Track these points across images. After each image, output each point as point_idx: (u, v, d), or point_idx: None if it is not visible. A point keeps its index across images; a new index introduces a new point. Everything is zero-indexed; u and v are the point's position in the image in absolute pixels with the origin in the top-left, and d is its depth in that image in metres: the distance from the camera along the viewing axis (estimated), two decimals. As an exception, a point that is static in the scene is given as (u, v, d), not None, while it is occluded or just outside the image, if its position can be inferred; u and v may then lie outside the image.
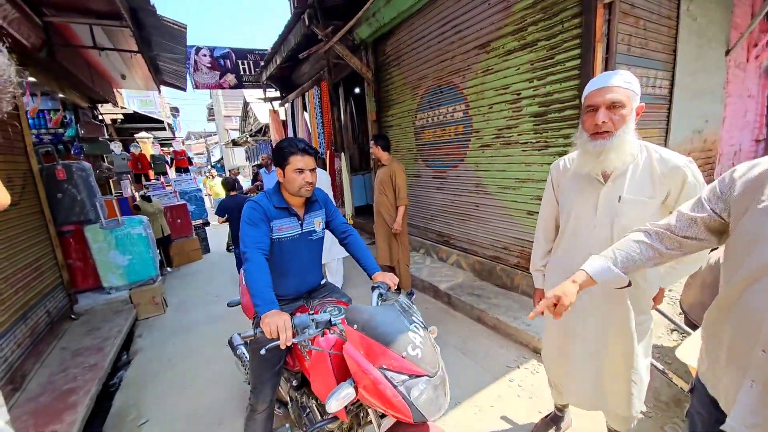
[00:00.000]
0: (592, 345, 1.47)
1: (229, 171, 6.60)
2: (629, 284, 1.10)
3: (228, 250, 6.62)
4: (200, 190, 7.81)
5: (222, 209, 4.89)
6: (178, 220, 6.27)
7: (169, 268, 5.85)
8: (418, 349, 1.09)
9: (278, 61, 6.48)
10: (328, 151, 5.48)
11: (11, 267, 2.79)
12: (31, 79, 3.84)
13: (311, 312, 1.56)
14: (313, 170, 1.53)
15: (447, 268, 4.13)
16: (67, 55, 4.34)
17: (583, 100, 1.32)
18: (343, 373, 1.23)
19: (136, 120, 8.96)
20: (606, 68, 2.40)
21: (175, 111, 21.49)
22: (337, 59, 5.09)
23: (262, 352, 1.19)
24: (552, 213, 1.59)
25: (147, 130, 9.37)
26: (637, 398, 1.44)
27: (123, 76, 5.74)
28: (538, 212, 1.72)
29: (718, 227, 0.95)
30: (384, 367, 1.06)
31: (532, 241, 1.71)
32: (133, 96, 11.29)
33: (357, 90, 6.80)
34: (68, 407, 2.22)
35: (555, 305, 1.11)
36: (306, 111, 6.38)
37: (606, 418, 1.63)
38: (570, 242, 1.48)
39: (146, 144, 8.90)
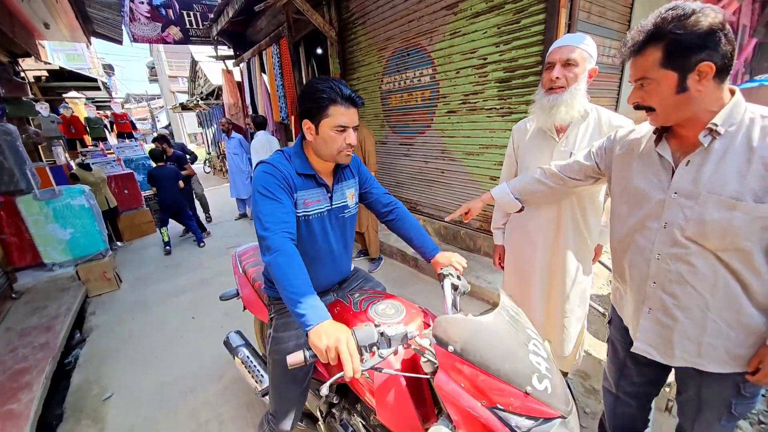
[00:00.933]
0: (538, 292, 1.65)
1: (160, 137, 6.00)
2: (522, 209, 1.49)
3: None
4: (148, 157, 7.16)
5: (150, 178, 4.69)
6: (125, 191, 5.77)
7: (119, 243, 5.46)
8: (546, 380, 0.78)
9: (230, 14, 5.88)
10: (293, 117, 5.20)
11: (-72, 243, 2.46)
12: None
13: (355, 310, 1.21)
14: (356, 128, 1.15)
15: (413, 233, 4.26)
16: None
17: (545, 60, 1.39)
18: (419, 396, 0.96)
19: (64, 78, 7.86)
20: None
21: (109, 69, 19.04)
22: (297, 14, 4.73)
23: (324, 391, 0.82)
24: (512, 172, 1.69)
25: (77, 89, 8.27)
26: (568, 341, 1.65)
27: (46, 26, 4.94)
28: (499, 177, 1.80)
29: (594, 174, 1.23)
30: (499, 407, 0.75)
31: (494, 205, 1.81)
32: (58, 50, 9.83)
33: (319, 50, 6.42)
34: (23, 387, 2.09)
35: (466, 214, 1.53)
36: (264, 72, 5.94)
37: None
38: None
39: (78, 105, 7.85)
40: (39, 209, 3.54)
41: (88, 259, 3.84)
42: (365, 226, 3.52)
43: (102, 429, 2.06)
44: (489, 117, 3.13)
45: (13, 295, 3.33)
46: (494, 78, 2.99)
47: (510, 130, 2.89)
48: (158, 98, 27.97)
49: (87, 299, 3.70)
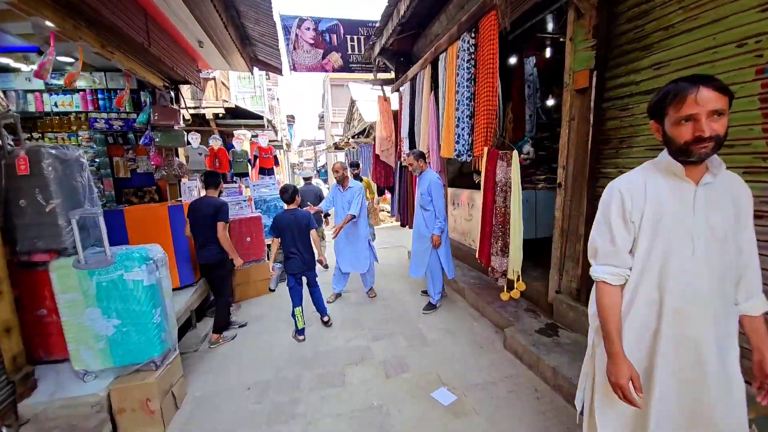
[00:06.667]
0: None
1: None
2: None
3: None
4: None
5: (274, 228, 3.25)
6: (248, 239, 4.58)
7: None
8: None
9: (396, 20, 4.37)
10: (486, 148, 2.91)
11: None
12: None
13: None
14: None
15: None
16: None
17: None
18: None
19: (238, 115, 8.09)
20: None
21: (291, 119, 22.21)
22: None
23: None
24: None
25: (246, 126, 8.46)
26: None
27: (200, 44, 4.34)
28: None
29: None
30: None
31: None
32: (244, 92, 10.88)
33: (548, 51, 4.13)
34: None
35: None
36: (438, 86, 3.98)
37: None
38: None
39: (244, 142, 7.98)
40: (78, 282, 2.16)
41: (133, 371, 2.29)
42: None
43: None
44: None
45: (4, 429, 1.90)
46: None
47: None
48: (323, 142, 31.95)
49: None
